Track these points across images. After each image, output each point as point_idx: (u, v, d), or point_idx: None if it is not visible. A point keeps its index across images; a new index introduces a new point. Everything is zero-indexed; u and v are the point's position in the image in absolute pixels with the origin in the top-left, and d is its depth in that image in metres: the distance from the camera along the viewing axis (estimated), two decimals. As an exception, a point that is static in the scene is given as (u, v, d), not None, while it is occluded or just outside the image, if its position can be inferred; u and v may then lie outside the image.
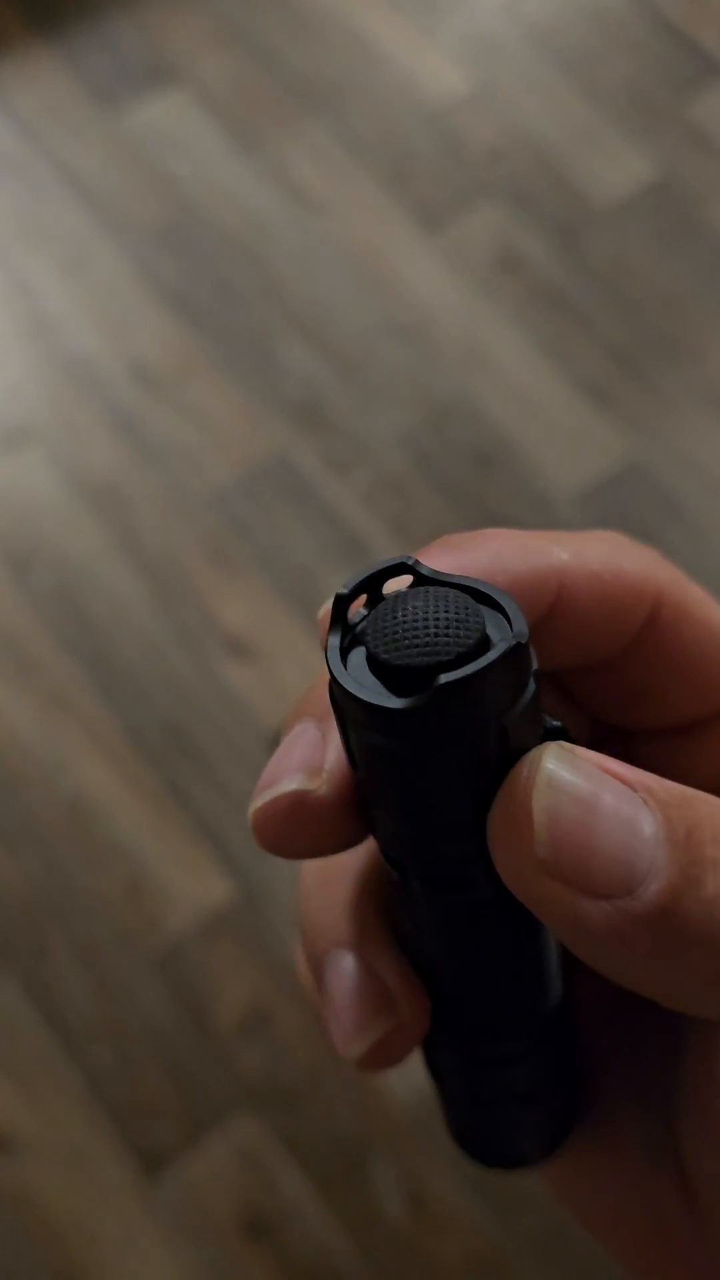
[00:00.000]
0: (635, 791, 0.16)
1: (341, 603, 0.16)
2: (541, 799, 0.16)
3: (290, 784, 0.17)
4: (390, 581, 0.17)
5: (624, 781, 0.16)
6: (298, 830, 0.18)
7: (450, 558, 0.18)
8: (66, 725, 1.05)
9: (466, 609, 0.16)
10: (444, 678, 0.15)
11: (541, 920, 0.16)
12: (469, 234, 1.29)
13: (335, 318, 1.23)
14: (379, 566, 0.17)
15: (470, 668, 0.15)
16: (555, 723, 0.17)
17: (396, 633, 0.16)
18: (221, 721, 1.05)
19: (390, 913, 0.19)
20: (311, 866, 0.21)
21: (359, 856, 0.20)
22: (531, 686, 0.16)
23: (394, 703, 0.15)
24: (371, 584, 0.17)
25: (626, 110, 1.38)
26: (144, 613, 1.09)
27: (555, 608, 0.19)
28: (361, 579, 0.17)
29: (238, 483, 1.15)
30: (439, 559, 0.18)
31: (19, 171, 1.30)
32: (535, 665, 0.16)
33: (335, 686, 0.16)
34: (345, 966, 0.19)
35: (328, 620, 0.17)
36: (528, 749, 0.16)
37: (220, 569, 1.11)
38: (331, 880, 0.20)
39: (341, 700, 0.16)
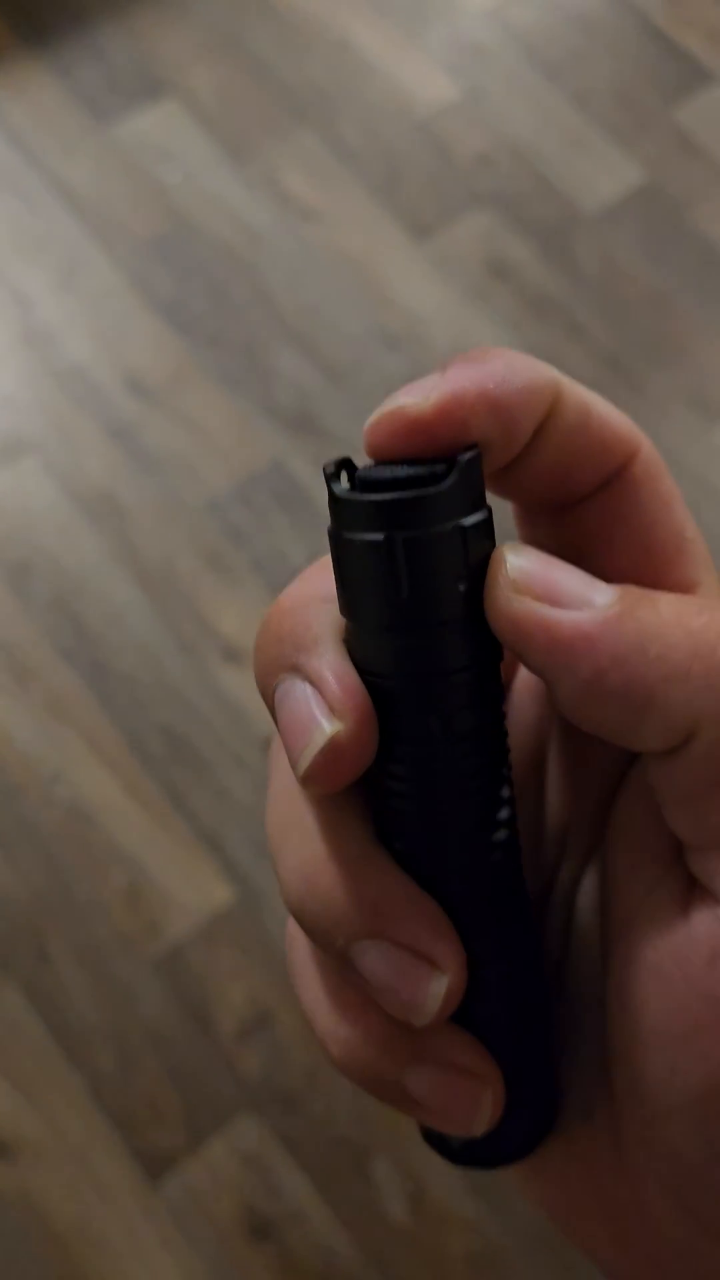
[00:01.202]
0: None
1: (329, 472, 0.20)
2: (505, 561, 0.19)
3: (319, 734, 0.19)
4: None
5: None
6: (342, 766, 0.19)
7: (470, 368, 0.19)
8: (65, 732, 1.05)
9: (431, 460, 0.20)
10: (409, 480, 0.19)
11: (513, 641, 0.19)
12: (459, 240, 1.30)
13: (327, 325, 1.24)
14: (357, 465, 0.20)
15: (441, 477, 0.19)
16: None
17: (382, 468, 0.20)
18: (219, 727, 1.06)
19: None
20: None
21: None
22: (485, 511, 0.20)
23: (390, 495, 0.19)
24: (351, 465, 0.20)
25: (614, 115, 1.38)
26: (141, 620, 1.10)
27: (548, 423, 0.20)
28: (342, 460, 0.20)
29: (232, 490, 1.16)
30: (460, 371, 0.19)
31: (11, 183, 1.31)
32: (488, 508, 0.20)
33: (341, 504, 0.19)
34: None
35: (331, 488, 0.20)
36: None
37: (216, 576, 1.12)
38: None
39: (344, 511, 0.19)
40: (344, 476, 0.20)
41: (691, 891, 0.19)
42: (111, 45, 1.39)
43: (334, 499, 0.20)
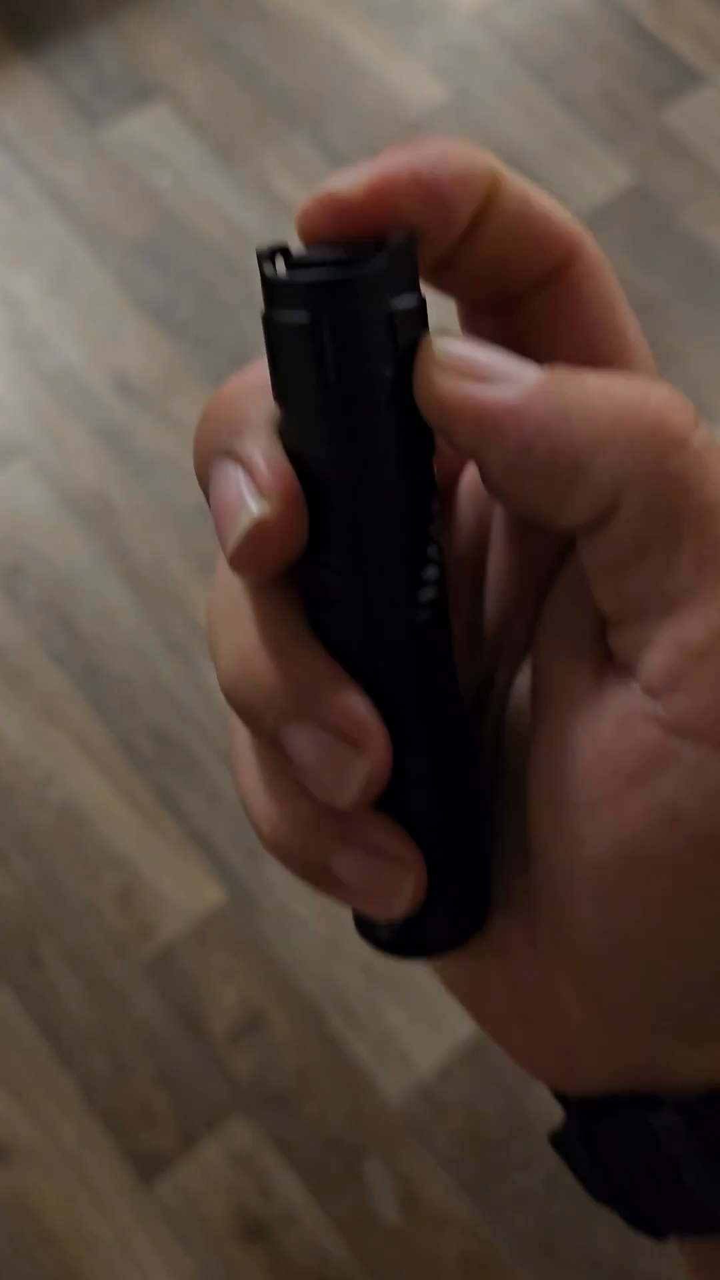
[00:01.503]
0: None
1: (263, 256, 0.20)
2: (433, 345, 0.19)
3: (246, 515, 0.19)
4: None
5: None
6: (266, 550, 0.19)
7: (404, 151, 0.19)
8: (56, 735, 1.05)
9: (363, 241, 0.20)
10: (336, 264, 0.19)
11: (441, 420, 0.19)
12: (449, 242, 1.30)
13: (317, 327, 1.24)
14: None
15: (364, 252, 0.19)
16: None
17: (315, 250, 0.19)
18: (210, 729, 1.06)
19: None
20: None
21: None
22: (417, 298, 0.19)
23: (318, 275, 0.19)
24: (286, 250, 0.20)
25: (602, 117, 1.39)
26: (132, 622, 1.10)
27: (486, 213, 0.20)
28: (279, 245, 0.20)
29: (223, 492, 1.16)
30: (393, 154, 0.19)
31: (1, 186, 1.31)
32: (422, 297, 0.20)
33: (271, 286, 0.19)
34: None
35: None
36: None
37: (207, 578, 1.12)
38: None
39: (273, 293, 0.19)
40: (278, 260, 0.20)
41: (608, 666, 0.19)
42: (102, 48, 1.39)
43: (265, 281, 0.19)
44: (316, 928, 0.99)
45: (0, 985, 0.96)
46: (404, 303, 0.19)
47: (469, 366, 0.19)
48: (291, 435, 0.20)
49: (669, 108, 1.40)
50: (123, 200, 1.30)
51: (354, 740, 0.19)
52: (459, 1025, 0.96)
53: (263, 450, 0.20)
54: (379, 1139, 0.93)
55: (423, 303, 0.20)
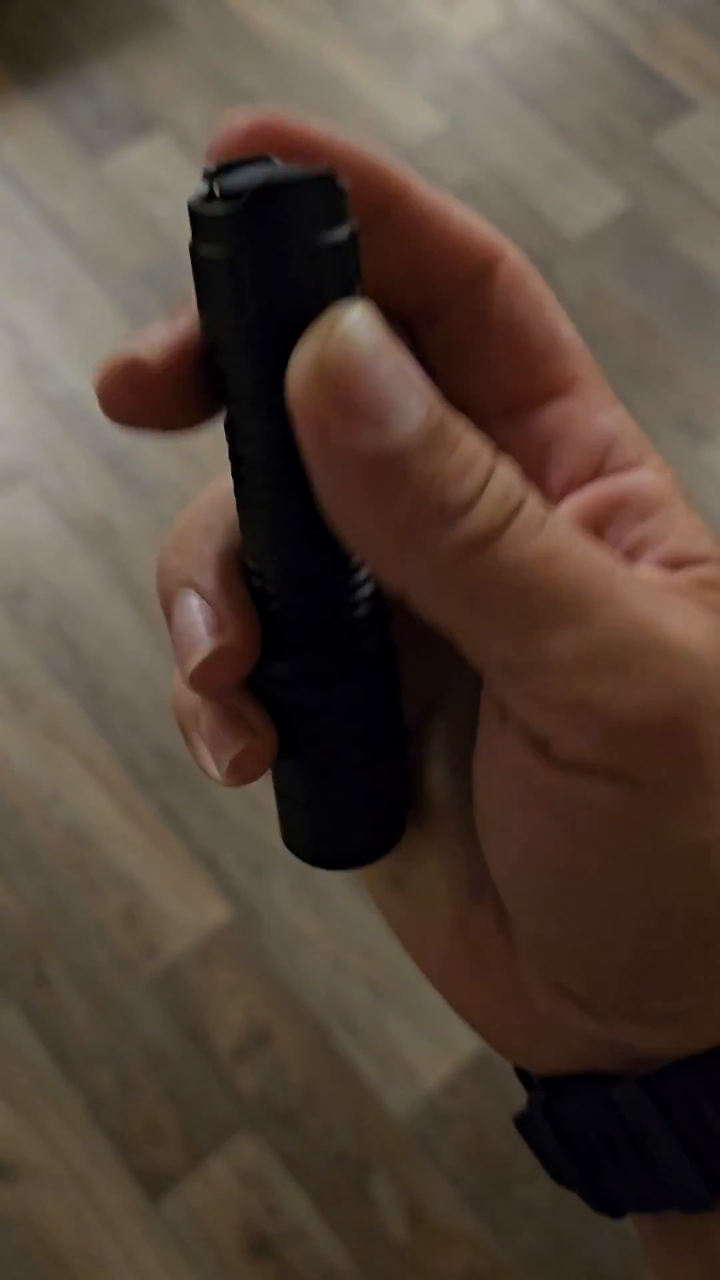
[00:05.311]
0: (414, 381, 0.18)
1: (207, 174, 0.19)
2: (337, 324, 0.18)
3: (127, 351, 0.20)
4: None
5: (408, 367, 0.18)
6: (131, 394, 0.20)
7: (321, 128, 0.20)
8: (62, 755, 1.06)
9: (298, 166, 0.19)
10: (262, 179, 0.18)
11: (300, 433, 0.18)
12: (445, 267, 1.32)
13: (317, 352, 1.26)
14: (245, 159, 0.20)
15: (285, 173, 0.18)
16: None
17: (238, 166, 0.19)
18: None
19: (242, 535, 0.21)
20: (180, 524, 0.23)
21: (224, 520, 0.22)
22: (344, 233, 0.19)
23: (222, 208, 0.18)
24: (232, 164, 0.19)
25: (595, 144, 1.41)
26: (136, 643, 1.11)
27: (394, 215, 0.21)
28: (226, 162, 0.19)
29: (225, 514, 1.17)
30: (312, 129, 0.20)
31: (5, 217, 1.33)
32: (353, 227, 0.19)
33: (191, 219, 0.19)
34: (188, 601, 0.21)
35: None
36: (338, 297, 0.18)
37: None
38: (193, 531, 0.22)
39: (192, 226, 0.19)
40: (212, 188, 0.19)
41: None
42: (102, 82, 1.41)
43: (190, 213, 0.19)
44: (321, 944, 1.00)
45: (7, 1004, 0.97)
46: (331, 236, 0.19)
47: (342, 390, 0.18)
48: (219, 368, 0.20)
49: (660, 134, 1.42)
50: (124, 229, 1.32)
51: (219, 624, 0.21)
52: (464, 1039, 0.97)
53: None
54: (385, 1154, 0.93)
55: (354, 236, 0.19)
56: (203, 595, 0.21)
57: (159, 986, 0.98)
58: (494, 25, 1.49)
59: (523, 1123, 0.24)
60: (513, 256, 0.22)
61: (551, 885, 0.20)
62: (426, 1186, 0.92)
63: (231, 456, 0.21)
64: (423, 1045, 0.96)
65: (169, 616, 0.22)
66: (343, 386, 0.17)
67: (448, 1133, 0.94)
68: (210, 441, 1.21)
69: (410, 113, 1.41)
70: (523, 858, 0.20)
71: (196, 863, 1.02)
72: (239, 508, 0.21)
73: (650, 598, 0.19)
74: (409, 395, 0.18)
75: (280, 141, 0.20)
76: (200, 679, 0.21)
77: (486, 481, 0.18)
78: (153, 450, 1.20)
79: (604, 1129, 0.22)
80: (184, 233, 1.32)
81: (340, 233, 0.19)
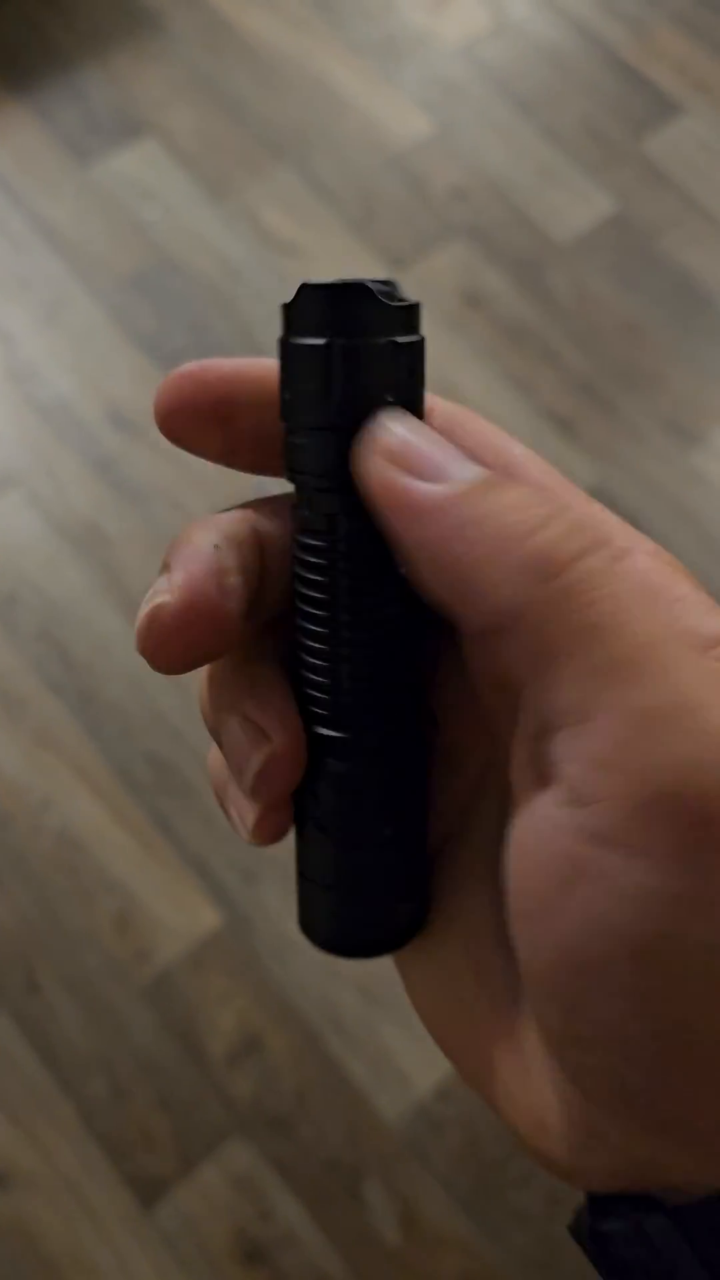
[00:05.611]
0: (461, 451, 0.21)
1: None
2: (384, 418, 0.21)
3: (145, 605, 0.21)
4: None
5: (452, 445, 0.21)
6: (161, 638, 0.21)
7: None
8: (53, 762, 1.06)
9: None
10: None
11: (368, 498, 0.21)
12: (435, 272, 1.32)
13: (306, 356, 1.26)
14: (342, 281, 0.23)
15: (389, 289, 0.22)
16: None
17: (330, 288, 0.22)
18: (205, 754, 1.06)
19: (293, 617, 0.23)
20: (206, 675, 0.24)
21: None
22: (419, 340, 0.22)
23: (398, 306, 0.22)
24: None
25: (584, 148, 1.41)
26: (126, 649, 1.11)
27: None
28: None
29: (215, 520, 1.17)
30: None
31: (-6, 223, 1.33)
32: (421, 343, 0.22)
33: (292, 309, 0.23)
34: (232, 725, 0.23)
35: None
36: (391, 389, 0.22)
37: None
38: (222, 671, 0.24)
39: (293, 314, 0.22)
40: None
41: (543, 777, 0.20)
42: (91, 87, 1.41)
43: (284, 308, 0.23)
44: (312, 950, 0.99)
45: (-1, 1011, 0.97)
46: (405, 337, 0.22)
47: (404, 454, 0.20)
48: (293, 453, 0.22)
49: (649, 138, 1.42)
50: (113, 235, 1.32)
51: (264, 731, 0.22)
52: (456, 1045, 0.97)
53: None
54: (378, 1159, 0.93)
55: (422, 341, 0.22)
56: (246, 718, 0.22)
57: (151, 993, 0.98)
58: (483, 29, 1.49)
59: (576, 1232, 0.24)
60: (442, 406, 0.24)
61: (580, 979, 0.19)
62: (419, 1191, 0.92)
63: (304, 545, 0.23)
64: (415, 1050, 0.96)
65: (219, 741, 0.23)
66: (399, 454, 0.20)
67: (440, 1138, 0.94)
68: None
69: (399, 117, 1.41)
70: (554, 949, 0.20)
71: (188, 869, 1.02)
72: (307, 570, 0.23)
73: (700, 676, 0.19)
74: (458, 458, 0.20)
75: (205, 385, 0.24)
76: (260, 788, 0.22)
77: (555, 514, 0.20)
78: (142, 456, 1.20)
79: (639, 1255, 0.22)
80: (172, 237, 1.32)
81: (415, 335, 0.22)
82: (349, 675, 0.22)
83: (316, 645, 0.22)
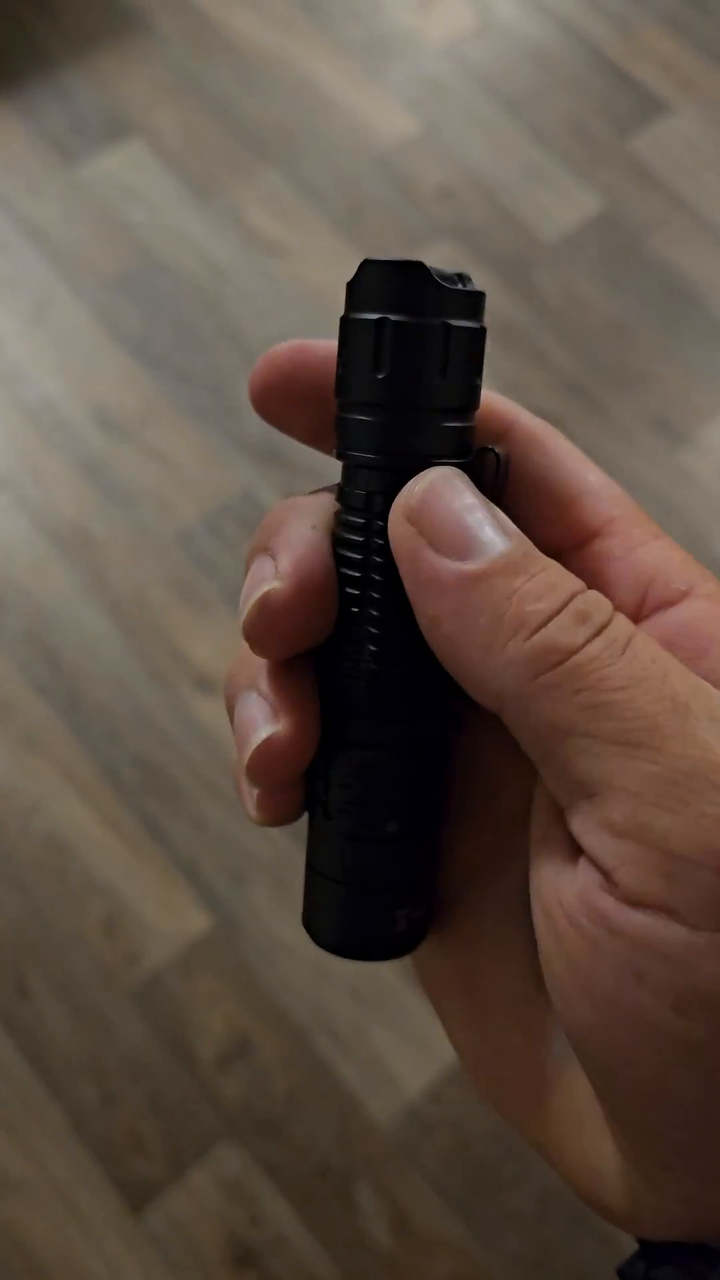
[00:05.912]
0: (494, 522, 0.21)
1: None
2: (425, 478, 0.21)
3: (257, 591, 0.22)
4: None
5: (488, 512, 0.21)
6: (272, 623, 0.22)
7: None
8: (40, 765, 1.06)
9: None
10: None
11: (394, 555, 0.21)
12: (422, 271, 1.32)
13: (294, 357, 1.25)
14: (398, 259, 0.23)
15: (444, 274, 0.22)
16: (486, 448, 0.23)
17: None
18: (193, 757, 1.06)
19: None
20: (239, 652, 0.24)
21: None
22: (478, 328, 0.22)
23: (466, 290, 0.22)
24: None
25: (570, 147, 1.41)
26: (114, 652, 1.11)
27: None
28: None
29: (203, 522, 1.17)
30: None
31: (-21, 224, 1.32)
32: (483, 328, 0.22)
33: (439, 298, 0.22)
34: (248, 698, 0.23)
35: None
36: (458, 383, 0.22)
37: (188, 607, 1.13)
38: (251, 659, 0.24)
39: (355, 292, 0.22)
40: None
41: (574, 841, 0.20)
42: (76, 87, 1.41)
43: (349, 286, 0.23)
44: (302, 952, 0.99)
45: (-13, 1016, 0.96)
46: (462, 322, 0.22)
47: (430, 523, 0.21)
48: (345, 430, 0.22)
49: (635, 137, 1.42)
50: (99, 236, 1.32)
51: (275, 710, 0.22)
52: (446, 1047, 0.97)
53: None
54: (368, 1162, 0.93)
55: (482, 330, 0.22)
56: (261, 695, 0.23)
57: (140, 996, 0.97)
58: (468, 29, 1.49)
59: (624, 1277, 0.24)
60: (526, 421, 0.24)
61: (623, 1034, 0.19)
62: (411, 1194, 0.92)
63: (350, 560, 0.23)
64: (406, 1053, 0.96)
65: (231, 718, 0.23)
66: (427, 524, 0.20)
67: (431, 1140, 0.94)
68: (187, 448, 1.21)
69: (385, 117, 1.41)
70: (593, 1010, 0.20)
71: (177, 872, 1.02)
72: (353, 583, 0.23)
73: (710, 739, 0.19)
74: (489, 532, 0.20)
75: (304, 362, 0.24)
76: (256, 766, 0.22)
77: (567, 602, 0.20)
78: (129, 458, 1.20)
79: None
80: (158, 238, 1.32)
81: (477, 323, 0.22)
82: (372, 658, 0.22)
83: (345, 624, 0.22)
